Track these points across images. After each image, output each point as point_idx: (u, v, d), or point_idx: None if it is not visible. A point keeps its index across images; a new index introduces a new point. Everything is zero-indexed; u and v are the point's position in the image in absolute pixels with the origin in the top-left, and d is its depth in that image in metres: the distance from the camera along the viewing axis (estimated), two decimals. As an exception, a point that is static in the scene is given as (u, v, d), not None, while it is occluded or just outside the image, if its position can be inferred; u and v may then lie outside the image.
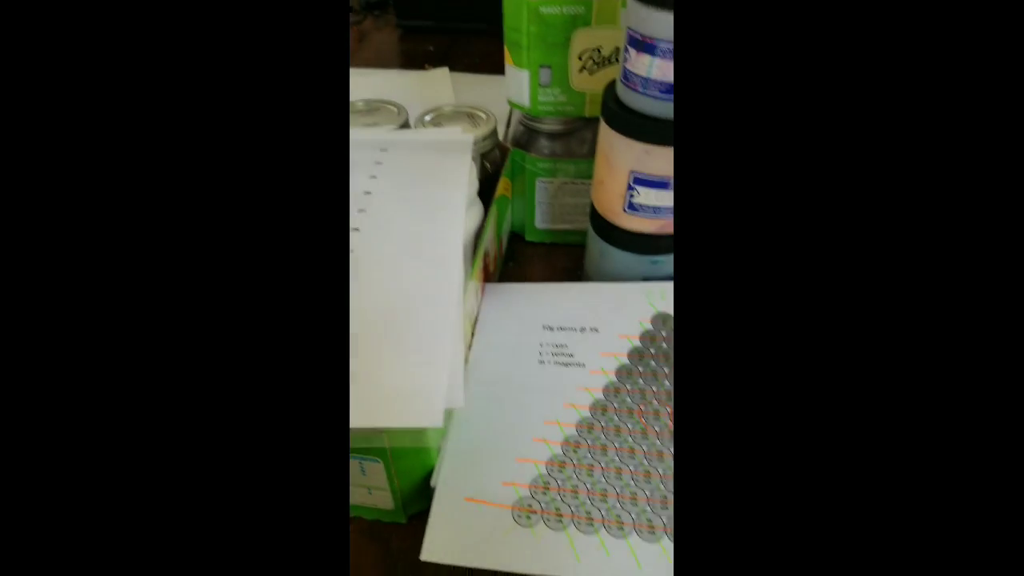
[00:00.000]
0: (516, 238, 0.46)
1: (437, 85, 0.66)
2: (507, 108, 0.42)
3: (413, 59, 0.74)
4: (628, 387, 0.31)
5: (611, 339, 0.34)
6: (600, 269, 0.38)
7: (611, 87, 0.33)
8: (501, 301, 0.36)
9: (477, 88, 0.65)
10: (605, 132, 0.33)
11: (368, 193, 0.32)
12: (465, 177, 0.33)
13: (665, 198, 0.32)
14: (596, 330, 0.34)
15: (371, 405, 0.23)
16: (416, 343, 0.26)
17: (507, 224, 0.44)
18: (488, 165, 0.40)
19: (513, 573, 0.25)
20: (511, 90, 0.40)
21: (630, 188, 0.33)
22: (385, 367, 0.25)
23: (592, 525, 0.26)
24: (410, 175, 0.33)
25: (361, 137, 0.36)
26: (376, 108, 0.40)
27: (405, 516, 0.29)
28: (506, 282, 0.38)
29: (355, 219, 0.30)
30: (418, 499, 0.28)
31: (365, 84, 0.64)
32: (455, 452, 0.28)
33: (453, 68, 0.69)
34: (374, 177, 0.33)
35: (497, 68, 0.43)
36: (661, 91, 0.29)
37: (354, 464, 0.26)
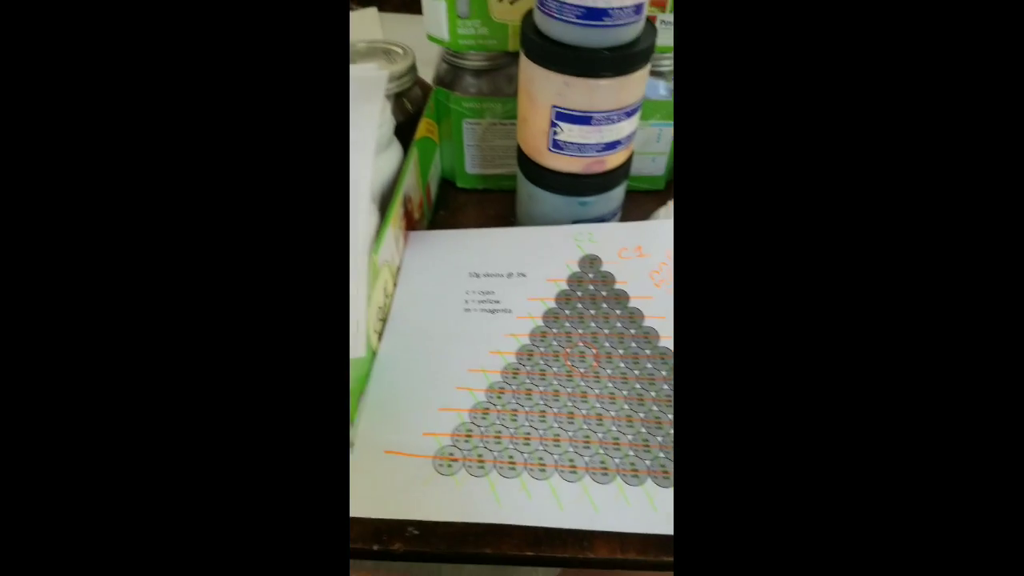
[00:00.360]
0: (448, 185, 0.44)
1: (365, 25, 0.62)
2: (437, 48, 0.39)
3: None
4: (554, 331, 0.31)
5: (538, 283, 0.33)
6: (530, 213, 0.37)
7: (529, 15, 0.31)
8: (426, 249, 0.35)
9: (408, 28, 0.61)
10: (525, 65, 0.31)
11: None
12: (376, 117, 0.30)
13: (589, 134, 0.31)
14: (523, 275, 0.33)
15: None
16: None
17: (435, 169, 0.42)
18: (408, 104, 0.38)
19: (435, 522, 0.25)
20: (430, 24, 0.37)
21: (553, 125, 0.31)
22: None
23: (514, 469, 0.26)
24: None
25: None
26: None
27: (326, 472, 0.28)
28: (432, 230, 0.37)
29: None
30: (338, 454, 0.27)
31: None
32: (374, 405, 0.27)
33: (382, 8, 0.65)
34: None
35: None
36: (578, 16, 0.27)
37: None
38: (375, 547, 0.25)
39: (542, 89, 0.30)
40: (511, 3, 0.35)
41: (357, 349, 0.25)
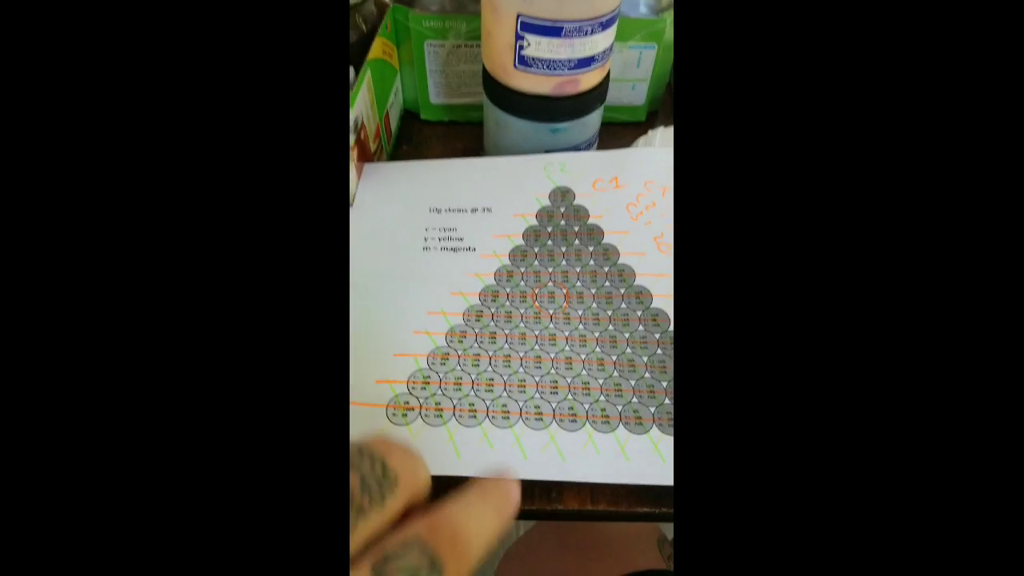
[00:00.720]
0: (411, 117, 0.41)
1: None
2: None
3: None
4: (522, 270, 0.28)
5: (505, 219, 0.30)
6: (497, 143, 0.34)
7: (490, -94, 0.27)
8: (381, 182, 0.32)
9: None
10: (486, -33, 0.27)
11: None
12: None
13: (559, 48, 0.28)
14: (489, 210, 0.30)
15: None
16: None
17: (396, 99, 0.38)
18: (362, 21, 0.34)
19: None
20: (381, -75, 0.33)
21: (519, 37, 0.28)
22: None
23: (475, 417, 0.23)
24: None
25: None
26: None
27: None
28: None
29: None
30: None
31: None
32: (322, 351, 0.25)
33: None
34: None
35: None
36: (544, -99, 0.24)
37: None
38: (326, 502, 0.23)
39: (505, -6, 0.27)
40: (472, -102, 0.31)
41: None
